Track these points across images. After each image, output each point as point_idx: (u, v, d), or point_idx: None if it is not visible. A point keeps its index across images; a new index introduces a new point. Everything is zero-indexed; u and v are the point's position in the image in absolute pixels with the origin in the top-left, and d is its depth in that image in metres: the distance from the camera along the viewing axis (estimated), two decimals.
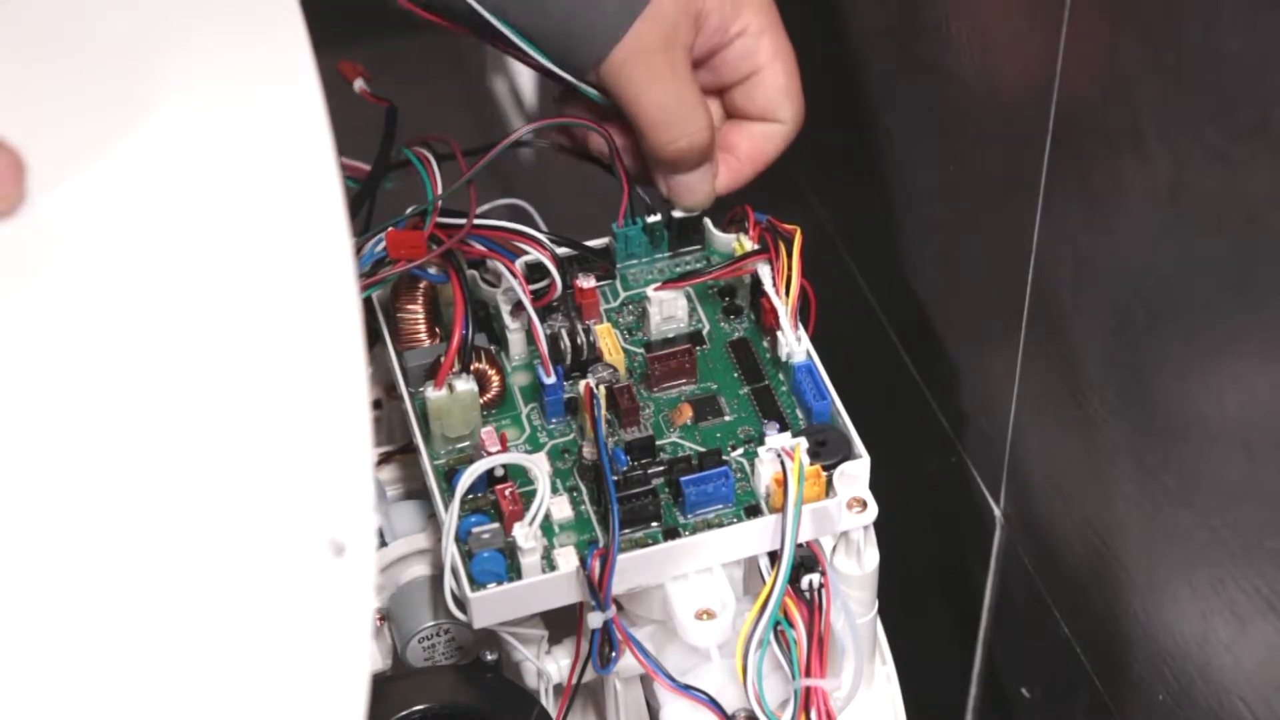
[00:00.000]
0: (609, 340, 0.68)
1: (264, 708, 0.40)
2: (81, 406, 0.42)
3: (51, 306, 0.43)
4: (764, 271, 0.68)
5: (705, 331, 0.70)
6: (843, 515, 0.64)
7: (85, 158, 0.44)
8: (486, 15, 0.65)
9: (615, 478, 0.63)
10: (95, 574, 0.40)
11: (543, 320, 0.68)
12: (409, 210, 0.69)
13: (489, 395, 0.67)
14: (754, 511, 0.64)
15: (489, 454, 0.64)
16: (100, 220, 0.44)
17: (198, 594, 0.40)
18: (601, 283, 0.71)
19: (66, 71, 0.46)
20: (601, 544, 0.63)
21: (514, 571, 0.62)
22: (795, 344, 0.67)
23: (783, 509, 0.63)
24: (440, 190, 0.68)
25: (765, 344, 0.69)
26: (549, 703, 0.66)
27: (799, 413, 0.67)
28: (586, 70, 0.67)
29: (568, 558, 0.63)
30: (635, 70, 0.67)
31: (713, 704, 0.63)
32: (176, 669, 0.40)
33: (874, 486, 0.65)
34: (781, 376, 0.68)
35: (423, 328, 0.69)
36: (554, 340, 0.68)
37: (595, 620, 0.62)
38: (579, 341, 0.68)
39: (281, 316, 0.43)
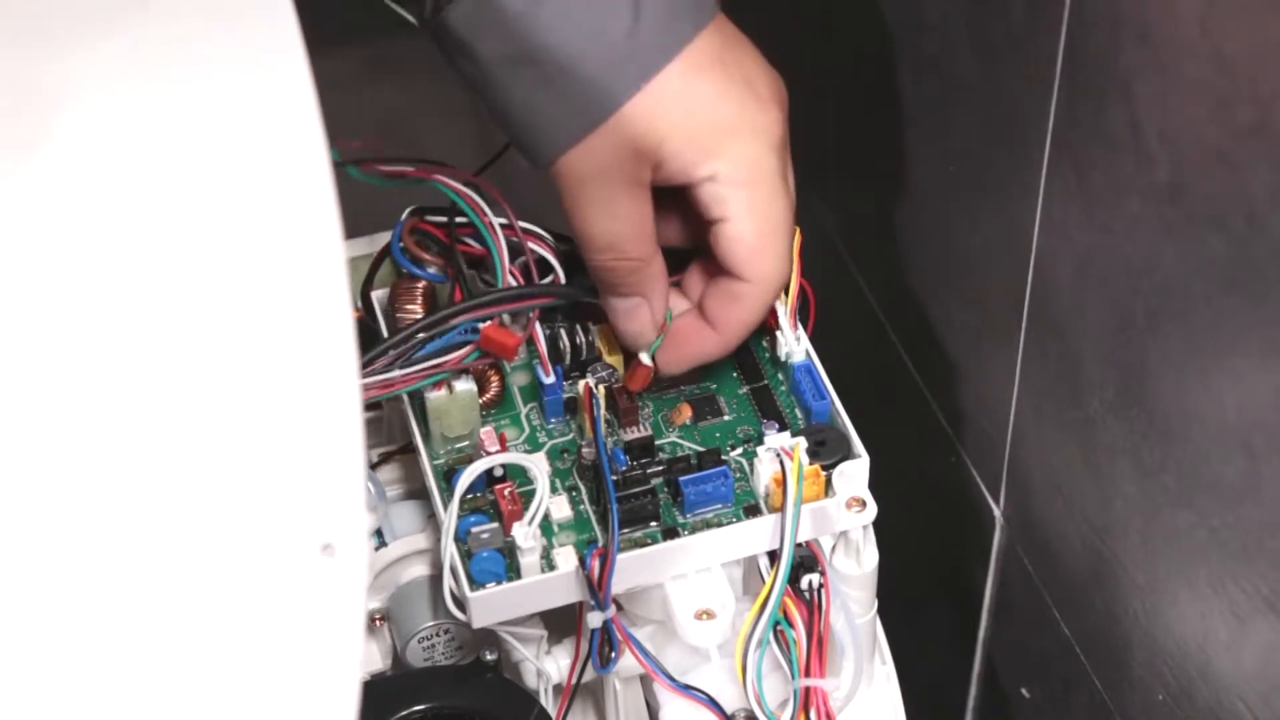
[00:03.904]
0: (608, 340, 0.68)
1: (254, 708, 0.40)
2: (68, 408, 0.42)
3: (39, 308, 0.43)
4: None
5: None
6: (842, 515, 0.64)
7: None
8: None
9: (614, 477, 0.63)
10: (78, 573, 0.40)
11: (542, 320, 0.67)
12: (407, 211, 0.69)
13: (488, 395, 0.67)
14: (753, 511, 0.64)
15: (488, 454, 0.64)
16: (88, 213, 0.44)
17: (186, 594, 0.40)
18: None
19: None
20: (601, 544, 0.63)
21: (513, 571, 0.62)
22: (794, 343, 0.67)
23: (782, 509, 0.63)
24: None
25: (764, 343, 0.69)
26: (549, 703, 0.66)
27: (798, 412, 0.67)
28: (538, 168, 0.64)
29: (567, 557, 0.63)
30: (569, 190, 0.63)
31: (712, 704, 0.63)
32: (165, 669, 0.40)
33: (873, 486, 0.65)
34: (780, 376, 0.68)
35: None
36: (553, 340, 0.68)
37: (595, 620, 0.62)
38: (578, 341, 0.68)
39: (270, 317, 0.43)
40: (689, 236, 0.66)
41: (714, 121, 0.62)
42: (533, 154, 0.63)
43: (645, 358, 0.66)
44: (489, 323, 0.65)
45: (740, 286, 0.64)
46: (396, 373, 0.65)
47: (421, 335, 0.65)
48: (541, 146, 0.62)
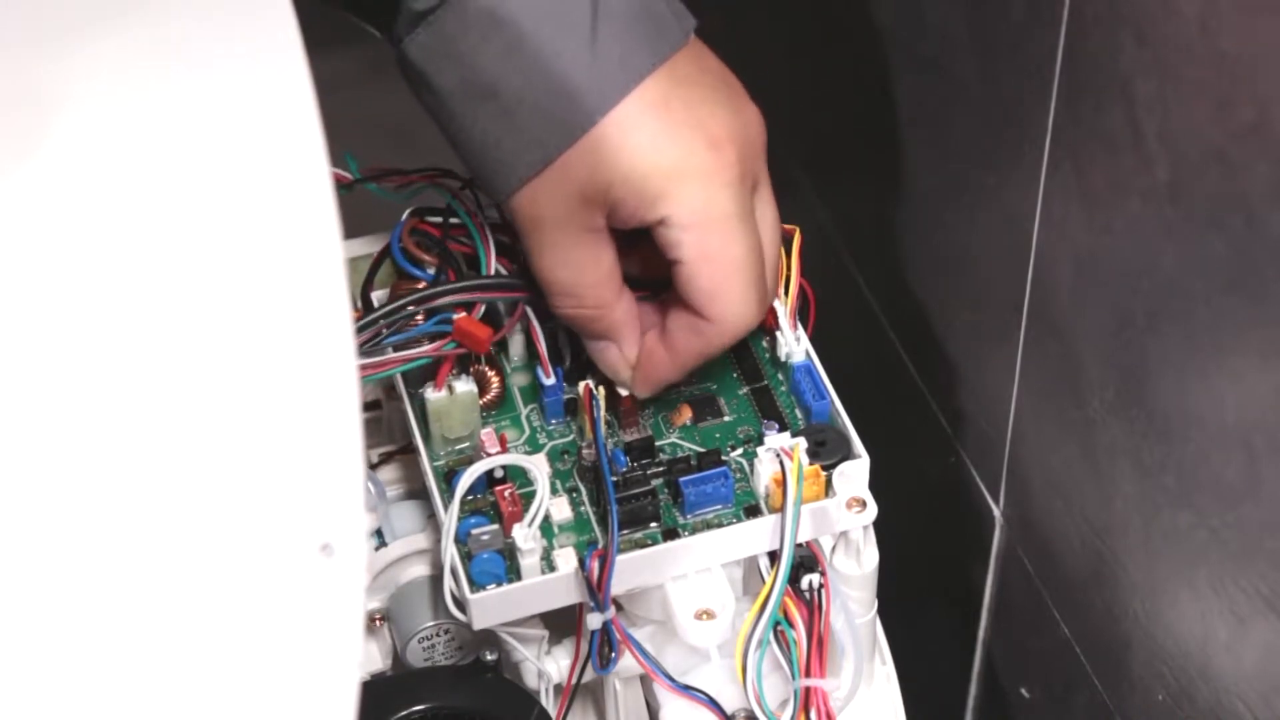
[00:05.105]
0: None
1: (252, 709, 0.40)
2: (66, 408, 0.42)
3: (38, 308, 0.43)
4: None
5: None
6: (842, 515, 0.64)
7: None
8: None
9: (614, 479, 0.63)
10: (76, 573, 0.40)
11: (542, 321, 0.67)
12: (407, 212, 0.69)
13: (488, 396, 0.67)
14: (753, 511, 0.64)
15: (488, 455, 0.64)
16: (87, 214, 0.44)
17: (185, 594, 0.40)
18: None
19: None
20: (601, 545, 0.63)
21: (513, 573, 0.62)
22: (794, 344, 0.67)
23: (782, 509, 0.63)
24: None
25: (764, 344, 0.69)
26: (549, 703, 0.66)
27: (798, 412, 0.67)
28: (497, 204, 0.64)
29: (567, 558, 0.63)
30: (524, 231, 0.63)
31: (712, 704, 0.63)
32: (163, 669, 0.40)
33: (873, 486, 0.65)
34: (780, 376, 0.68)
35: None
36: (553, 341, 0.68)
37: (594, 621, 0.62)
38: (578, 342, 0.68)
39: (269, 317, 0.43)
40: (659, 271, 0.65)
41: (659, 165, 0.60)
42: (490, 189, 0.63)
43: (623, 391, 0.66)
44: (462, 315, 0.65)
45: (700, 323, 0.63)
46: (376, 359, 0.65)
47: (412, 309, 0.65)
48: (498, 181, 0.62)
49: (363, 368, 0.64)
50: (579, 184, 0.61)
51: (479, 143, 0.61)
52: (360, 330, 0.64)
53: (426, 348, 0.65)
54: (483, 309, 0.66)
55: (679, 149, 0.61)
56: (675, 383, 0.67)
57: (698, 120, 0.61)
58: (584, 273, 0.63)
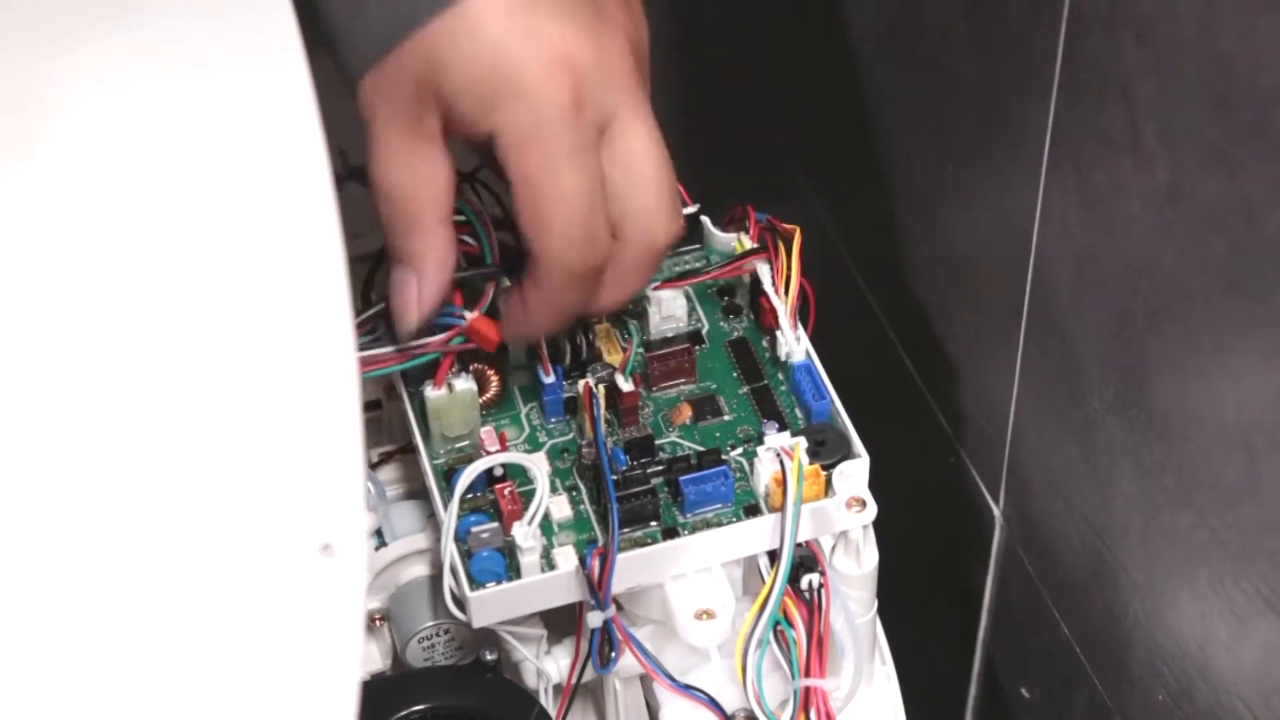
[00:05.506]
0: (608, 340, 0.68)
1: (253, 709, 0.40)
2: (66, 409, 0.42)
3: (37, 310, 0.43)
4: (763, 271, 0.68)
5: (704, 331, 0.70)
6: (842, 515, 0.64)
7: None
8: None
9: (614, 477, 0.63)
10: (77, 573, 0.40)
11: None
12: None
13: (488, 395, 0.67)
14: (753, 511, 0.64)
15: (488, 453, 0.64)
16: (85, 215, 0.44)
17: (186, 594, 0.40)
18: None
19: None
20: (601, 543, 0.63)
21: (513, 571, 0.62)
22: (794, 343, 0.67)
23: (782, 508, 0.63)
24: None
25: (764, 343, 0.69)
26: (549, 703, 0.66)
27: (798, 412, 0.67)
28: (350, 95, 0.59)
29: (567, 557, 0.63)
30: (366, 121, 0.58)
31: (712, 704, 0.63)
32: (164, 669, 0.40)
33: (873, 486, 0.65)
34: (780, 376, 0.68)
35: None
36: (553, 339, 0.68)
37: (595, 620, 0.62)
38: (578, 341, 0.68)
39: (270, 317, 0.43)
40: None
41: (497, 70, 0.55)
42: (344, 70, 0.58)
43: (625, 387, 0.65)
44: (475, 314, 0.65)
45: (531, 262, 0.59)
46: (383, 350, 0.65)
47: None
48: (351, 60, 0.57)
49: (364, 363, 0.64)
50: (417, 75, 0.56)
51: (336, 16, 0.56)
52: (360, 324, 0.64)
53: (430, 340, 0.65)
54: (490, 298, 0.66)
55: (521, 55, 0.55)
56: (536, 337, 0.64)
57: (558, 29, 0.55)
58: (413, 182, 0.58)
